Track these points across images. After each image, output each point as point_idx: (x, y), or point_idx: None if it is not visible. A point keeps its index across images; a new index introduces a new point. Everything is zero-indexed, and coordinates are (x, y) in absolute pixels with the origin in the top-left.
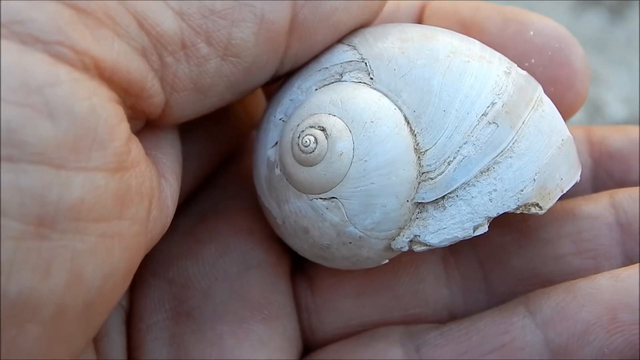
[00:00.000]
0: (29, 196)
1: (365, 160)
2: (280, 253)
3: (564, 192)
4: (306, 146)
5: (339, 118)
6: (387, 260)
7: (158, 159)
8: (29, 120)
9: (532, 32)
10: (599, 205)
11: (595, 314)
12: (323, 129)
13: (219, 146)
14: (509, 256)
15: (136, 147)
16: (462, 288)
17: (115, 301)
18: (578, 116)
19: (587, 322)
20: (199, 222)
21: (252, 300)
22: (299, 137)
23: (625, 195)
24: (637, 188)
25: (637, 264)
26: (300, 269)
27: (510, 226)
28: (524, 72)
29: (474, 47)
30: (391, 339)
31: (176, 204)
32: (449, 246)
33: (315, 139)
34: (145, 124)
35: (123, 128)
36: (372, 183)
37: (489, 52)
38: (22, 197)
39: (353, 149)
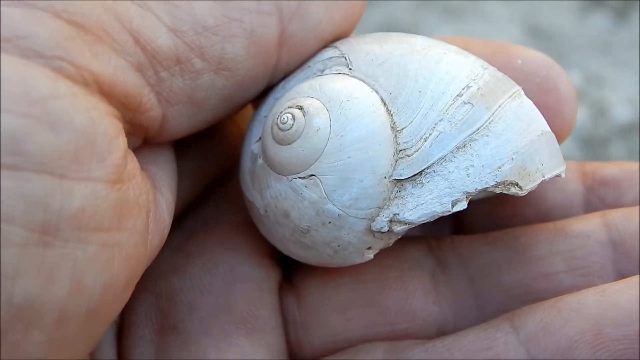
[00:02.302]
0: (32, 204)
1: (342, 135)
2: (268, 267)
3: (545, 178)
4: (284, 123)
5: (317, 99)
6: (371, 255)
7: (154, 173)
8: (32, 130)
9: (520, 61)
10: (591, 224)
11: (579, 329)
12: (301, 108)
13: (212, 163)
14: (499, 273)
15: (131, 160)
16: (452, 305)
17: (116, 311)
18: (583, 117)
19: (571, 337)
20: (189, 238)
21: (236, 314)
22: (277, 118)
23: (618, 215)
24: (630, 208)
25: (627, 279)
26: (288, 283)
27: (502, 243)
28: (503, 74)
29: (451, 46)
30: (375, 355)
31: (172, 217)
32: (438, 262)
33: (293, 116)
34: (143, 141)
35: (121, 141)
36: (349, 157)
37: (466, 52)
38: (26, 204)
39: (330, 125)
